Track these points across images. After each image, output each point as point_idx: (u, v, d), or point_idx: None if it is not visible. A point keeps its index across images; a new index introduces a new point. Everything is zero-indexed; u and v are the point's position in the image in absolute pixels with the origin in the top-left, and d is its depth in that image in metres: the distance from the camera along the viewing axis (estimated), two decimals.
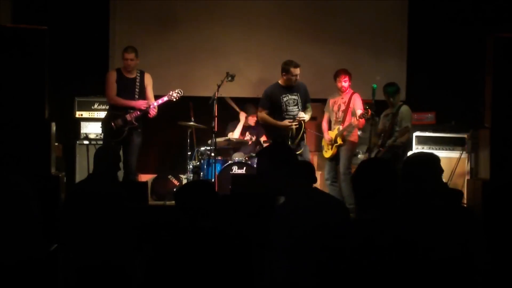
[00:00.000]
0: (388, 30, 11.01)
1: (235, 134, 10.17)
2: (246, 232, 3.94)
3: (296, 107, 8.75)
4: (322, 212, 4.07)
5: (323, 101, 9.59)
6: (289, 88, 8.76)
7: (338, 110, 9.18)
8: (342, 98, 9.18)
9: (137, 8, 10.85)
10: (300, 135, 8.68)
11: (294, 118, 8.65)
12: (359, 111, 8.84)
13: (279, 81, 8.82)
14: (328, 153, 9.22)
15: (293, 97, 8.78)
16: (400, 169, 4.26)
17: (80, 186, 6.18)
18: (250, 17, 10.91)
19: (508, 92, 7.30)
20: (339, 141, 9.04)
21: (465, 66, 10.35)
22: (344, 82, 9.12)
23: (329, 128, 9.35)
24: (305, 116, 8.71)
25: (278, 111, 8.75)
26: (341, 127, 9.06)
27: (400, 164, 8.72)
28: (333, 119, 9.26)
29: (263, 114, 8.90)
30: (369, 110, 8.55)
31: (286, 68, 8.67)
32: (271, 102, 8.80)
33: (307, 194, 4.16)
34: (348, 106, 9.09)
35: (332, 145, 9.11)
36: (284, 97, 8.75)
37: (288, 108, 8.74)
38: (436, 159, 4.37)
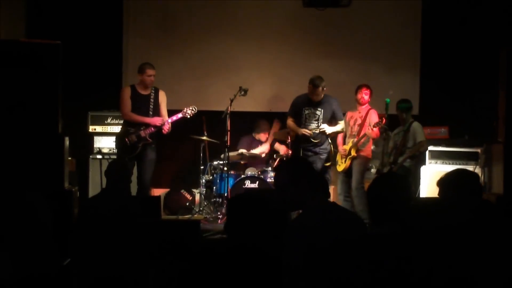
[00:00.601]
0: (401, 44, 10.99)
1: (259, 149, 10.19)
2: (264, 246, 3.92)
3: (317, 122, 8.83)
4: (341, 227, 4.04)
5: None
6: (314, 101, 8.84)
7: (354, 124, 9.19)
8: (359, 113, 9.19)
9: (150, 23, 10.89)
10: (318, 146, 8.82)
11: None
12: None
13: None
14: (341, 166, 9.20)
15: (316, 112, 8.83)
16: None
17: (92, 200, 6.19)
18: (263, 32, 10.92)
19: None
20: (353, 153, 9.04)
21: (478, 80, 10.34)
22: (365, 95, 9.13)
23: (344, 143, 9.35)
24: (326, 128, 8.75)
25: (298, 121, 8.95)
26: (355, 140, 9.05)
27: (412, 178, 8.74)
28: (348, 133, 9.26)
29: (288, 121, 9.18)
30: (383, 118, 8.63)
31: (308, 84, 8.90)
32: (294, 111, 9.05)
33: (326, 209, 4.13)
34: (364, 121, 9.09)
35: (346, 157, 9.10)
36: (307, 109, 8.85)
37: (307, 121, 8.83)
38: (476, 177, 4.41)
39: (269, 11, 10.93)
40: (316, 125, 8.90)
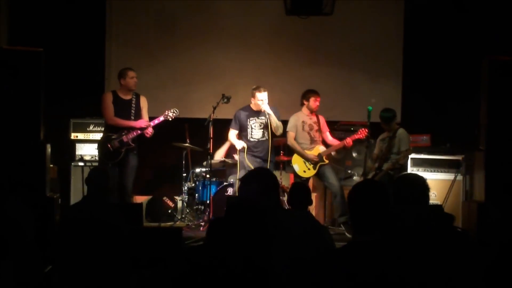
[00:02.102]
0: (383, 52, 11.04)
1: (217, 155, 10.20)
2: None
3: (263, 130, 9.03)
4: (308, 240, 4.06)
5: None
6: (257, 111, 9.09)
7: (311, 130, 9.24)
8: (311, 119, 9.27)
9: (133, 29, 10.89)
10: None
11: (257, 140, 9.07)
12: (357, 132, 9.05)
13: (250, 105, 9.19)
14: (307, 173, 9.19)
15: (261, 120, 9.05)
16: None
17: (74, 208, 6.15)
18: (246, 39, 10.94)
19: (503, 115, 7.35)
20: (326, 160, 9.13)
21: (460, 89, 10.39)
22: (318, 102, 9.21)
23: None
24: (266, 107, 8.94)
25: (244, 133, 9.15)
26: (322, 147, 9.19)
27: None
28: (306, 139, 9.27)
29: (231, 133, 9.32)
30: (365, 129, 8.72)
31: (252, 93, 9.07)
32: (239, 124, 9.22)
33: (295, 220, 4.13)
34: (320, 126, 9.27)
35: (316, 164, 9.12)
36: (251, 120, 9.09)
37: (253, 131, 9.05)
38: (423, 180, 4.41)
39: (252, 19, 10.97)
40: (262, 132, 8.96)
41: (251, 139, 9.09)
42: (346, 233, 8.64)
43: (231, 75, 10.85)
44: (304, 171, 9.20)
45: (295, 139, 9.24)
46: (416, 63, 10.88)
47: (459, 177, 9.08)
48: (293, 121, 9.29)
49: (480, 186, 7.51)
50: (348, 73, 10.95)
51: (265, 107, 8.90)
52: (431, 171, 9.33)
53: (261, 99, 8.94)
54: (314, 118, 9.31)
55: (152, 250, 6.48)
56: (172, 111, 8.80)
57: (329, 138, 9.37)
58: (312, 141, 9.25)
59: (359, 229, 3.62)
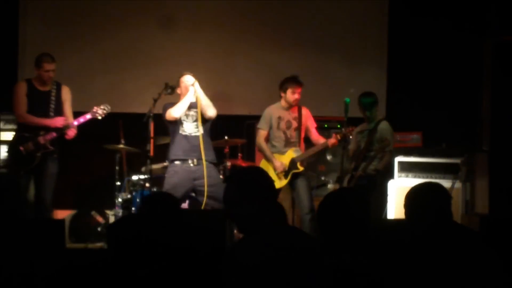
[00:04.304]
0: (365, 33, 11.09)
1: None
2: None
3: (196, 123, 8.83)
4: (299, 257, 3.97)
5: None
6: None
7: (288, 128, 9.09)
8: (290, 114, 9.10)
9: (53, 5, 10.85)
10: None
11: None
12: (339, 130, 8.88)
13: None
14: (277, 184, 8.97)
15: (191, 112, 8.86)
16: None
17: None
18: (195, 17, 10.96)
19: (510, 108, 7.33)
20: (300, 167, 8.95)
21: (458, 78, 10.39)
22: (298, 94, 9.01)
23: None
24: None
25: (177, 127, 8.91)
26: (297, 150, 9.02)
27: (377, 194, 8.75)
28: (280, 139, 9.12)
29: None
30: (350, 127, 8.68)
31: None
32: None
33: (283, 235, 4.05)
34: (301, 124, 9.06)
35: (288, 173, 8.99)
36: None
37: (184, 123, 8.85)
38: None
39: None
40: (196, 125, 8.86)
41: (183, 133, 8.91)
42: None
43: (175, 60, 10.79)
44: (275, 181, 9.02)
45: (268, 139, 9.10)
46: (404, 47, 10.89)
47: (458, 185, 9.10)
48: (266, 116, 9.07)
49: (483, 195, 7.52)
50: (320, 57, 10.98)
51: (196, 86, 8.76)
52: (422, 177, 9.33)
53: (188, 80, 8.79)
54: (295, 113, 9.07)
55: (77, 277, 6.39)
56: (102, 107, 8.75)
57: (316, 137, 9.13)
58: (287, 143, 9.07)
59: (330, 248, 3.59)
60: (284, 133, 9.03)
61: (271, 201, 4.03)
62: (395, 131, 9.12)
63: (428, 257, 4.06)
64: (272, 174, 8.93)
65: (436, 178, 9.31)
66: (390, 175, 9.33)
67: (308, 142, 9.17)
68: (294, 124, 9.03)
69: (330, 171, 9.67)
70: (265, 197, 3.97)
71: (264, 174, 4.26)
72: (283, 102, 9.02)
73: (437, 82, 10.67)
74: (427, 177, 9.32)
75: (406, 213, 4.40)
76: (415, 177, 9.35)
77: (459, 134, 9.71)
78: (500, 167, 7.35)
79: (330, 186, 9.67)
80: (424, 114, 10.46)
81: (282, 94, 8.99)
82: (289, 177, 8.94)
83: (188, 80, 8.79)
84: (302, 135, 9.08)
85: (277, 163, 8.89)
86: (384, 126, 8.83)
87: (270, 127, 9.03)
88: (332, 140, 8.79)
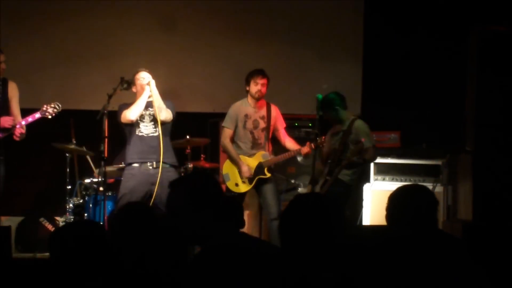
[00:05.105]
0: (339, 24, 11.10)
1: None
2: None
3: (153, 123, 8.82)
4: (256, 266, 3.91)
5: None
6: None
7: (256, 128, 9.02)
8: (257, 112, 9.03)
9: None
10: None
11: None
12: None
13: None
14: (241, 187, 8.97)
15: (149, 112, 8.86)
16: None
17: None
18: (155, 7, 10.95)
19: (496, 105, 7.30)
20: (267, 173, 8.91)
21: (438, 72, 10.44)
22: (262, 86, 8.94)
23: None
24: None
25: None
26: (265, 154, 8.98)
27: (354, 199, 8.71)
28: (247, 140, 9.09)
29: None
30: (323, 138, 8.67)
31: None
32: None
33: (238, 243, 3.98)
34: (269, 124, 9.03)
35: (253, 178, 8.93)
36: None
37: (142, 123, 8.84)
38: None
39: None
40: (153, 125, 8.81)
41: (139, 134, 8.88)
42: None
43: (133, 52, 10.80)
44: (237, 184, 8.98)
45: (233, 139, 9.04)
46: (380, 41, 10.90)
47: (439, 188, 9.16)
48: (231, 113, 9.03)
49: (467, 200, 7.51)
50: (290, 51, 10.99)
51: (152, 85, 8.73)
52: (401, 180, 9.40)
53: (144, 77, 8.79)
54: (263, 111, 9.06)
55: None
56: (52, 105, 8.78)
57: (284, 138, 9.13)
58: (254, 144, 9.03)
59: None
60: (251, 133, 9.00)
61: (219, 209, 3.96)
62: (372, 130, 9.10)
63: (407, 267, 4.06)
64: (236, 177, 8.95)
65: (415, 181, 9.38)
66: (366, 178, 9.31)
67: (275, 142, 9.13)
68: (262, 124, 8.99)
69: (301, 173, 9.65)
70: (211, 205, 3.92)
71: (210, 179, 4.21)
72: (249, 98, 8.99)
73: (416, 77, 10.68)
74: (405, 180, 9.37)
75: (387, 216, 4.42)
76: (392, 180, 9.42)
77: (440, 133, 9.76)
78: (484, 169, 7.30)
79: (300, 189, 9.62)
80: (402, 112, 10.50)
81: (247, 88, 8.98)
82: (254, 183, 8.92)
83: (144, 77, 8.75)
84: (270, 136, 9.04)
85: (245, 167, 8.85)
86: (359, 124, 8.78)
87: (236, 126, 8.97)
88: (305, 149, 8.81)
